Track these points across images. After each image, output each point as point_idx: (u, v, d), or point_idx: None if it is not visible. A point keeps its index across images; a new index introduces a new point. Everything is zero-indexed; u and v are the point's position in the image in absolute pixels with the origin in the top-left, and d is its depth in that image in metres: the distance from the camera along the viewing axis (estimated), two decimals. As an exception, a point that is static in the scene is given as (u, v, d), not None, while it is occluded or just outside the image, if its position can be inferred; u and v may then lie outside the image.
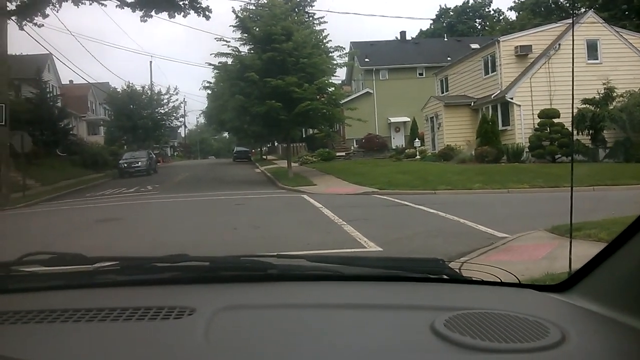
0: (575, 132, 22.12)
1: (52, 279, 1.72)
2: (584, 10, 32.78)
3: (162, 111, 49.14)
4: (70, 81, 47.61)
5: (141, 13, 27.15)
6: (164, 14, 27.28)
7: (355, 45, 39.58)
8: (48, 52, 36.15)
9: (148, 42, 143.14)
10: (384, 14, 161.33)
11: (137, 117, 45.46)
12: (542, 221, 8.61)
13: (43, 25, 27.01)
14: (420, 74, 42.22)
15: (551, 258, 6.05)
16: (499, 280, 1.71)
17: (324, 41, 23.78)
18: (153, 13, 27.31)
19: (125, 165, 31.85)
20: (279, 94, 21.24)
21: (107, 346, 1.24)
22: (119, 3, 26.53)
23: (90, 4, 26.74)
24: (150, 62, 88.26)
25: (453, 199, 14.51)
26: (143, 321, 1.33)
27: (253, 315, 1.37)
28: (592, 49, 24.71)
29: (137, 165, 31.84)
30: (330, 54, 23.88)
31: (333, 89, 24.69)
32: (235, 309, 1.41)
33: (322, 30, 24.33)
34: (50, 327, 1.32)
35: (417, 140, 31.75)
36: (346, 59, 25.40)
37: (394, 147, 38.45)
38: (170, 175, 31.62)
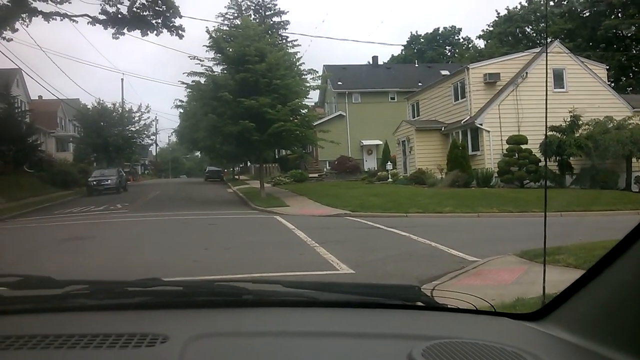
0: (542, 159, 22.57)
1: (19, 303, 1.66)
2: (550, 40, 33.71)
3: (133, 129, 48.61)
4: (40, 97, 46.74)
5: (113, 30, 27.04)
6: (137, 32, 27.23)
7: (328, 68, 40.00)
8: (17, 67, 35.64)
9: (120, 60, 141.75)
10: (356, 39, 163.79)
11: (108, 134, 44.89)
12: (511, 245, 8.73)
13: (12, 39, 26.71)
14: (392, 98, 42.74)
15: (521, 283, 6.12)
16: (474, 308, 1.71)
17: (297, 63, 23.94)
18: (125, 31, 27.22)
19: (95, 182, 31.30)
20: (252, 114, 21.24)
21: None
22: (90, 20, 26.39)
23: (61, 20, 26.54)
24: (122, 79, 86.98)
25: (424, 222, 14.61)
26: (114, 349, 1.29)
27: (228, 344, 1.35)
28: (558, 78, 25.39)
29: (106, 183, 31.34)
30: (304, 77, 24.08)
31: (306, 110, 24.83)
32: (210, 336, 1.38)
33: (296, 53, 24.53)
34: (16, 355, 1.27)
35: (389, 163, 32.02)
36: (319, 81, 25.59)
37: (366, 170, 38.66)
38: (141, 193, 31.17)
